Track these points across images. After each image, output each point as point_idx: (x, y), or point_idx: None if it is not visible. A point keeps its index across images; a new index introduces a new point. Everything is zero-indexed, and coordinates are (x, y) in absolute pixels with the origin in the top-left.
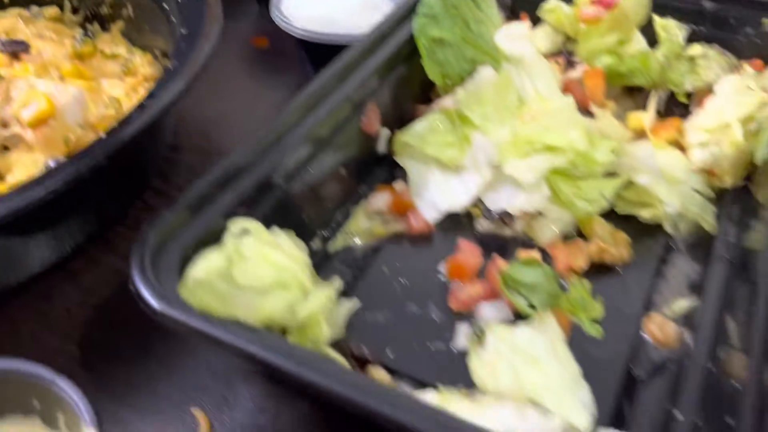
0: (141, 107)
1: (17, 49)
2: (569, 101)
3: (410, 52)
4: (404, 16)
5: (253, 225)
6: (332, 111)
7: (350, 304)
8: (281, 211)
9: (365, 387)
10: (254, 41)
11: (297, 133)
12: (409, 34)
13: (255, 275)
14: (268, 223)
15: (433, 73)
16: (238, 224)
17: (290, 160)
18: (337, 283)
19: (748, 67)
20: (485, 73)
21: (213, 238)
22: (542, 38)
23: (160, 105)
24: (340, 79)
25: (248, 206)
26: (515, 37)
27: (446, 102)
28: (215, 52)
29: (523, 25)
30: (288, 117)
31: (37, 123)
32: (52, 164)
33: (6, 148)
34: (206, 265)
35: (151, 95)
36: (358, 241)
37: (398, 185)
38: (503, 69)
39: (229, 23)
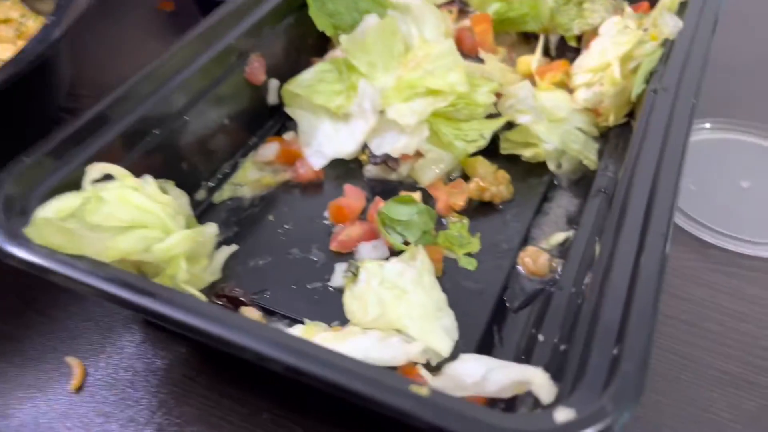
0: (10, 61)
1: None
2: (450, 45)
3: (302, 3)
4: None
5: (118, 170)
6: (212, 60)
7: (228, 249)
8: (156, 160)
9: (203, 311)
10: (161, 5)
11: (173, 81)
12: None
13: (111, 216)
14: (140, 171)
15: (322, 24)
16: (99, 169)
17: (165, 109)
18: (211, 228)
19: (628, 8)
20: (371, 21)
21: (77, 184)
22: None
23: (27, 58)
24: (223, 29)
25: (118, 153)
26: None
27: (338, 53)
28: (91, 6)
29: None
30: (163, 65)
31: None
32: None
33: None
34: (56, 206)
35: (22, 50)
36: (246, 191)
37: (288, 135)
38: (388, 16)
39: None
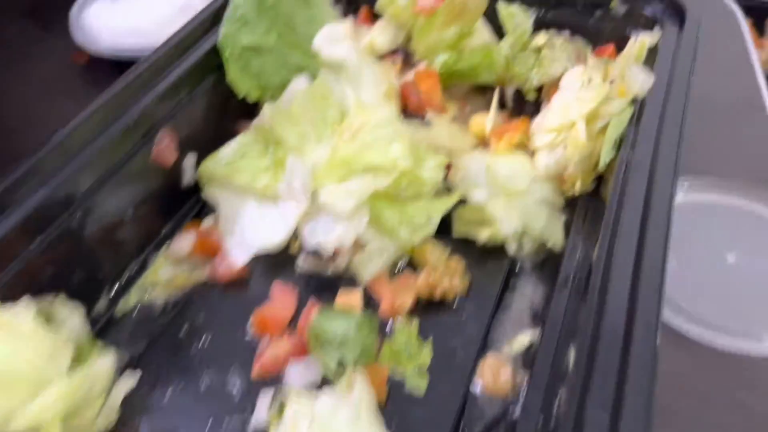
0: None
1: None
2: (391, 112)
3: (219, 65)
4: (212, 19)
5: None
6: (113, 140)
7: (129, 382)
8: (43, 269)
9: None
10: (74, 57)
11: (64, 170)
12: (214, 44)
13: None
14: (18, 291)
15: (245, 87)
16: None
17: (54, 205)
18: (104, 363)
19: (591, 57)
20: (299, 84)
21: None
22: (381, 35)
23: None
24: (127, 98)
25: None
26: (336, 40)
27: (265, 116)
28: None
29: (344, 25)
30: (52, 150)
31: None
32: None
33: None
34: None
35: None
36: (158, 294)
37: (209, 220)
38: (319, 78)
39: (47, 39)
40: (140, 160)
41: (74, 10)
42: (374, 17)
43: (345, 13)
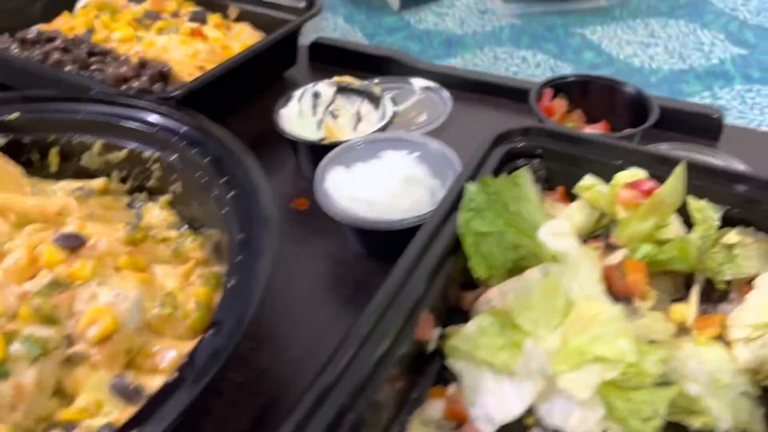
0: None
1: (74, 245)
2: (617, 311)
3: (455, 246)
4: (448, 211)
5: None
6: (387, 333)
7: None
8: None
9: None
10: (296, 203)
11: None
12: (453, 230)
13: None
14: None
15: (480, 269)
16: None
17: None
18: None
19: None
20: (533, 275)
21: None
22: (578, 214)
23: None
24: (394, 297)
25: None
26: (559, 234)
27: (492, 294)
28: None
29: (566, 224)
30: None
31: (102, 340)
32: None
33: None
34: None
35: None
36: None
37: (451, 389)
38: (551, 273)
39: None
40: (406, 340)
41: (319, 172)
42: (570, 197)
43: (544, 190)
